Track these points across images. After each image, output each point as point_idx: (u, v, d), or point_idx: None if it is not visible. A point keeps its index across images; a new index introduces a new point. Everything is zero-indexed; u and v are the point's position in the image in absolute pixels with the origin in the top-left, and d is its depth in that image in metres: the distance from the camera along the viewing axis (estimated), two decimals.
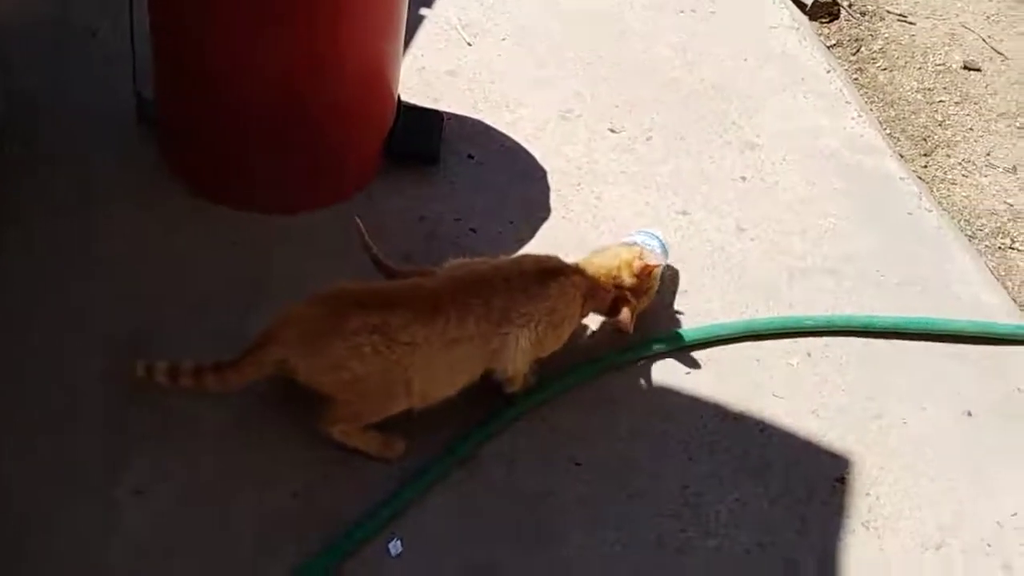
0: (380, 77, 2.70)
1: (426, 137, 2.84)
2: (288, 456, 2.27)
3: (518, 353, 2.27)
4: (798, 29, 3.57)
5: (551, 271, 2.31)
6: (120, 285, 2.50)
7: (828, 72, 3.41)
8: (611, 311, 2.43)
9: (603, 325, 2.56)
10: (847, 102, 3.32)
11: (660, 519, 2.29)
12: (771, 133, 3.14)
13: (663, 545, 2.24)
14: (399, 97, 2.86)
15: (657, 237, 2.65)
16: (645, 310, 2.51)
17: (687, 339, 2.57)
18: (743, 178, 3.01)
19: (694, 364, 2.57)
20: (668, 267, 2.69)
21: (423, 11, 3.38)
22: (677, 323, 2.63)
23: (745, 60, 3.41)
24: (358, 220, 2.41)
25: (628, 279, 2.40)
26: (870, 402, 2.54)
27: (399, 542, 2.20)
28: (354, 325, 2.12)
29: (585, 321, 2.50)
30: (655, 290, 2.51)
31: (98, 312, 2.43)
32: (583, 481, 2.34)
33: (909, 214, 2.98)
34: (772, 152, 3.09)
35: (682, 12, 3.58)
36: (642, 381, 2.52)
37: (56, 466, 2.18)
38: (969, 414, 2.56)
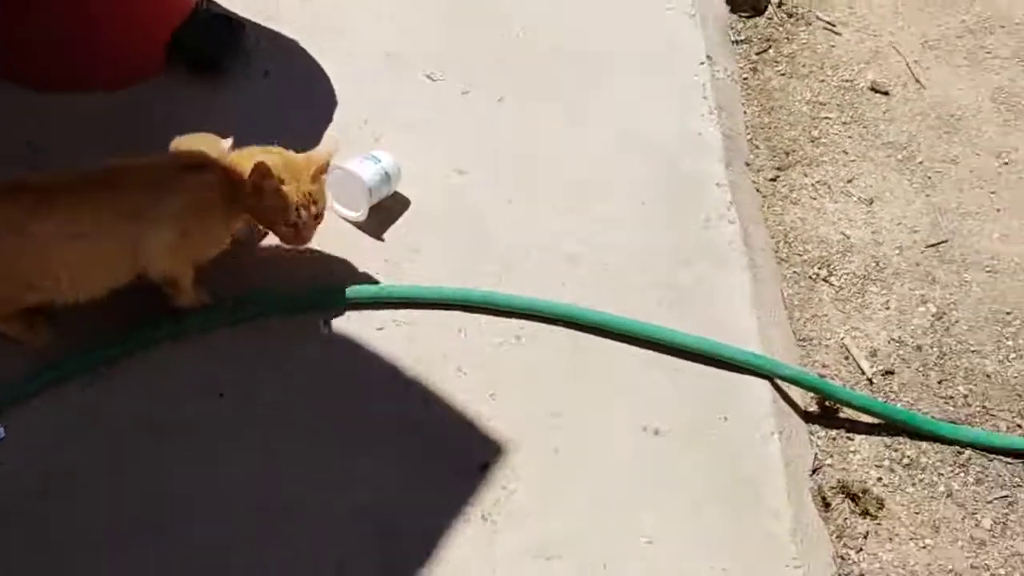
0: None
1: (212, 41, 2.79)
2: None
3: (162, 252, 2.23)
4: (694, 16, 3.37)
5: (190, 166, 2.25)
6: None
7: (702, 64, 3.23)
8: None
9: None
10: (704, 97, 3.14)
11: (275, 475, 2.23)
12: (600, 111, 3.00)
13: (269, 502, 2.19)
14: (200, 2, 2.82)
15: (377, 159, 2.60)
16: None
17: (367, 295, 2.49)
18: (532, 156, 2.88)
19: (390, 322, 2.48)
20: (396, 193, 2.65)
21: None
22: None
23: (616, 35, 3.24)
24: None
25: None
26: (555, 398, 2.42)
27: (2, 429, 2.20)
28: None
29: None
30: (324, 199, 2.38)
31: None
32: (222, 407, 2.31)
33: (705, 220, 2.81)
34: (590, 130, 2.95)
35: None
36: (319, 330, 2.44)
37: None
38: (656, 432, 2.41)
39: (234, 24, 2.88)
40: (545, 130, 2.92)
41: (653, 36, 3.26)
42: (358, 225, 2.61)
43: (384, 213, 2.64)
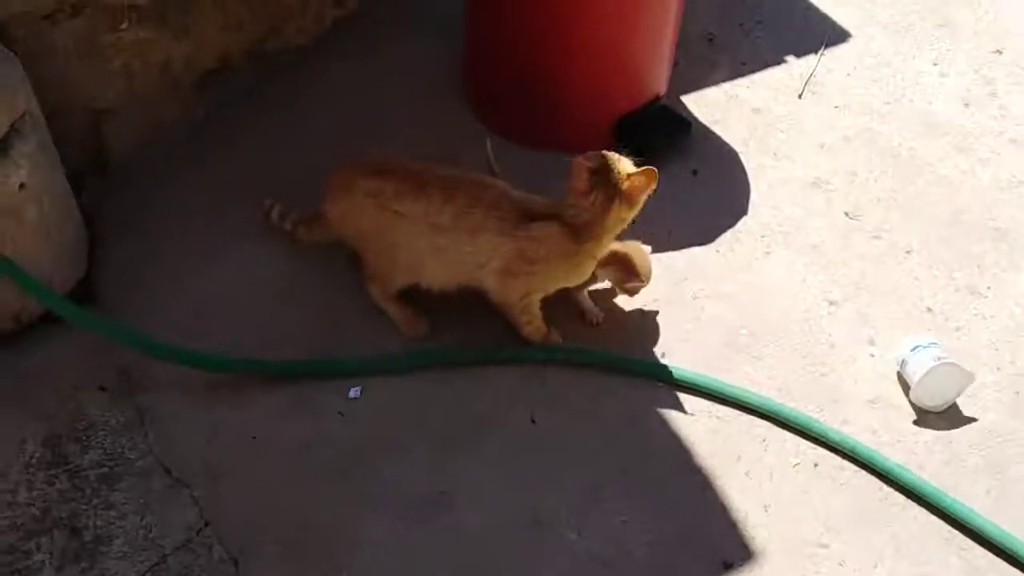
0: (621, 68, 3.08)
1: (650, 131, 3.11)
2: (344, 304, 2.78)
3: (489, 273, 2.56)
4: None
5: (534, 215, 2.53)
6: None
7: None
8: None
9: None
10: None
11: (536, 501, 2.48)
12: (1006, 290, 2.94)
13: (520, 523, 2.45)
14: (658, 95, 3.17)
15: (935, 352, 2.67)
16: None
17: (690, 381, 2.67)
18: (929, 309, 2.90)
19: (704, 412, 2.65)
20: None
21: (789, 58, 3.55)
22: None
23: None
24: (488, 142, 2.82)
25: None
26: (829, 531, 2.46)
27: (359, 390, 2.65)
28: (357, 186, 2.59)
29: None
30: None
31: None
32: (530, 429, 2.59)
33: None
34: (983, 303, 2.90)
35: None
36: (635, 391, 2.67)
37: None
38: None
39: (681, 122, 3.16)
40: (936, 289, 2.93)
41: None
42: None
43: None
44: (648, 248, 2.74)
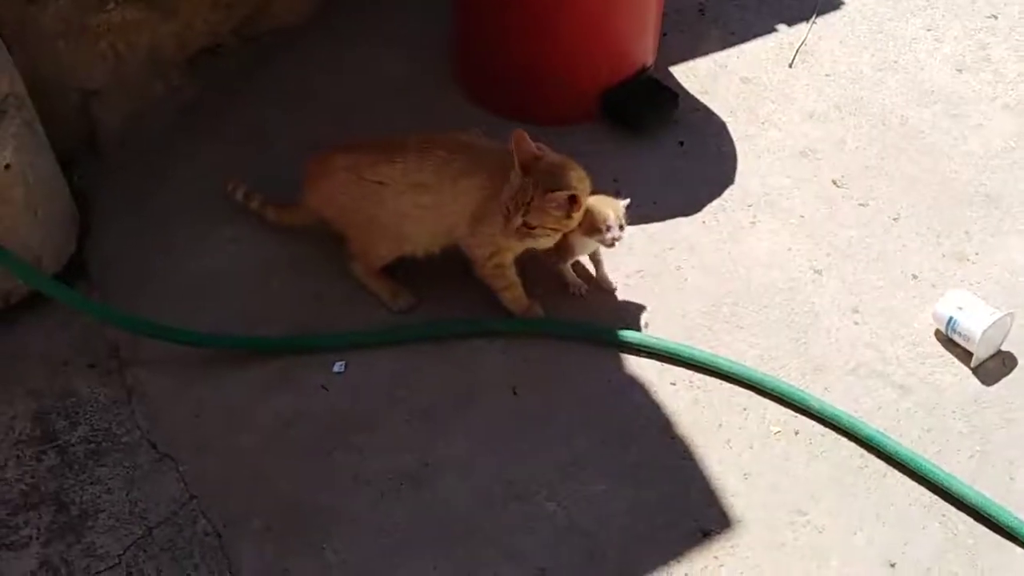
0: (606, 39, 3.10)
1: (639, 105, 3.11)
2: (329, 280, 2.81)
3: (463, 220, 2.59)
4: None
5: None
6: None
7: None
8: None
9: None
10: None
11: (521, 471, 2.50)
12: (990, 255, 2.92)
13: (502, 491, 2.47)
14: (644, 66, 3.16)
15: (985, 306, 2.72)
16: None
17: (669, 350, 2.67)
18: (915, 276, 2.89)
19: (685, 382, 2.65)
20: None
21: (780, 27, 3.54)
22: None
23: None
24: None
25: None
26: (808, 499, 2.47)
27: (343, 364, 2.67)
28: (335, 163, 2.61)
29: None
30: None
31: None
32: (512, 402, 2.61)
33: None
34: (968, 268, 2.89)
35: None
36: (618, 363, 2.67)
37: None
38: (892, 566, 2.38)
39: (668, 93, 3.15)
40: (923, 256, 2.92)
41: None
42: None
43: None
44: (622, 202, 2.71)
